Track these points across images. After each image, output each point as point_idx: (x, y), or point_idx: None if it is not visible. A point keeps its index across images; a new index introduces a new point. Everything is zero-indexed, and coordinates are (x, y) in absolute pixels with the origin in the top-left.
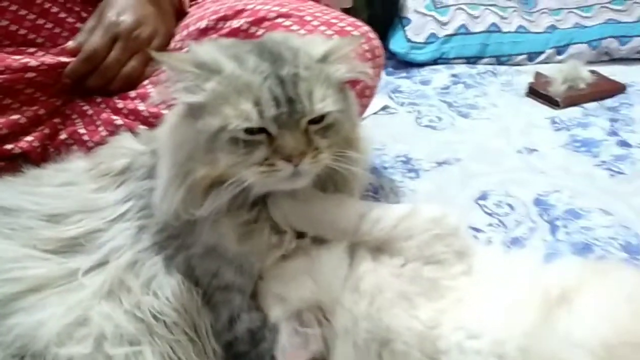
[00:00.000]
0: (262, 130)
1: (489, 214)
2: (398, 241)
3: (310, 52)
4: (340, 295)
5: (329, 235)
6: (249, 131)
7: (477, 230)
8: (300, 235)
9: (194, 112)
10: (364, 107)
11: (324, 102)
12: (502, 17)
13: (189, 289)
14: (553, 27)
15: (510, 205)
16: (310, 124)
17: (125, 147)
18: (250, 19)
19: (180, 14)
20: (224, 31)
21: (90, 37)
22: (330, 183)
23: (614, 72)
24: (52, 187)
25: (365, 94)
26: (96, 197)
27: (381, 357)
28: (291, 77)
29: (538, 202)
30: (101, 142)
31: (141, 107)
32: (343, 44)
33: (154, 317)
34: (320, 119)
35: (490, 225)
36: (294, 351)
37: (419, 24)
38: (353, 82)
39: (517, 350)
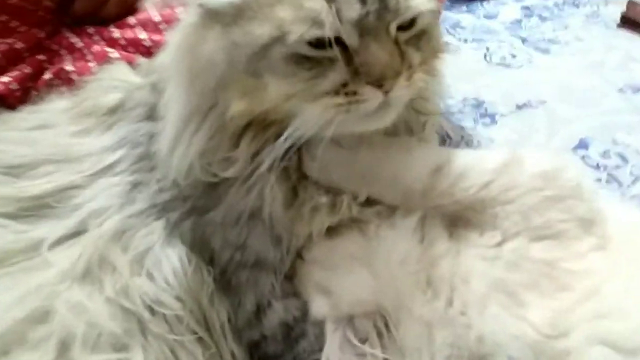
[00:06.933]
0: (336, 41)
1: (594, 167)
2: (491, 206)
3: None
4: (409, 298)
5: (388, 196)
6: (318, 44)
7: None
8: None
9: (224, 18)
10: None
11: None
12: None
13: (197, 267)
14: None
15: (621, 156)
16: (399, 31)
17: (118, 79)
18: None
19: None
20: None
21: None
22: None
23: None
24: (19, 131)
25: None
26: (75, 142)
27: None
28: None
29: None
30: None
31: (142, 35)
32: None
33: (148, 308)
34: (410, 23)
35: (599, 181)
36: None
37: None
38: None
39: None
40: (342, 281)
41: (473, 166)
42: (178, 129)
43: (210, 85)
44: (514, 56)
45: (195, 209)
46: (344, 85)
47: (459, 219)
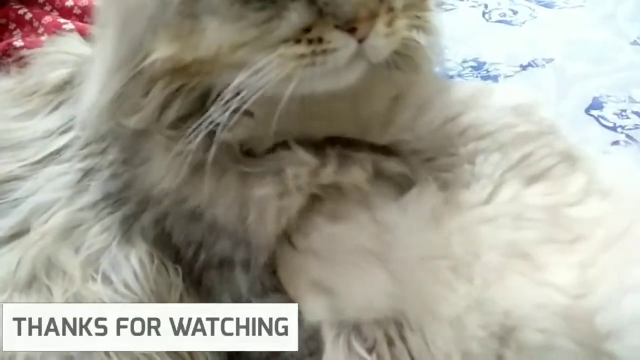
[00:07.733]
0: None
1: (610, 129)
2: (463, 144)
3: None
4: (433, 298)
5: (348, 131)
6: None
7: None
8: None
9: None
10: None
11: None
12: None
13: (161, 266)
14: None
15: (639, 114)
16: None
17: (67, 52)
18: None
19: None
20: None
21: None
22: None
23: None
24: None
25: None
26: (17, 127)
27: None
28: None
29: None
30: None
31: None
32: None
33: None
34: None
35: (616, 143)
36: None
37: None
38: None
39: None
40: (350, 280)
41: (437, 97)
42: (99, 80)
43: (139, 31)
44: (515, 12)
45: (152, 198)
46: (307, 30)
47: (440, 173)
